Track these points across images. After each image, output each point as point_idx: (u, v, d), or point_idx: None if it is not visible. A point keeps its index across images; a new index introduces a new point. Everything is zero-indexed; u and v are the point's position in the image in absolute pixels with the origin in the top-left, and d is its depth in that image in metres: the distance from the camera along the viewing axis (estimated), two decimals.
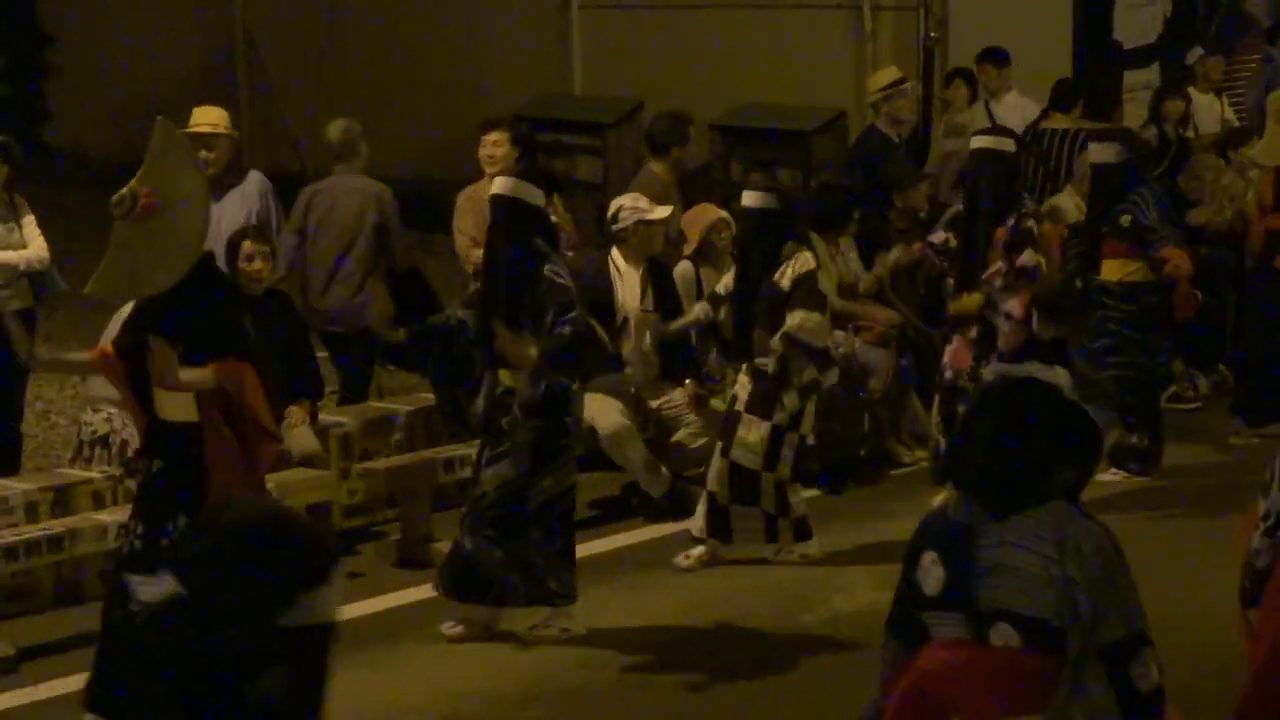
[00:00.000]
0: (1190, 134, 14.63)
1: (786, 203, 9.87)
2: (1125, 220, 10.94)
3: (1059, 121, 14.09)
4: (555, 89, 17.66)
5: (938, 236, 10.77)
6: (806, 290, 9.59)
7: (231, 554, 3.47)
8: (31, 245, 10.23)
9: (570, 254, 11.35)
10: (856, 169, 13.02)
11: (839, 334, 11.59)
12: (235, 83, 20.27)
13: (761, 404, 9.62)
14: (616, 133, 16.68)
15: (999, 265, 10.17)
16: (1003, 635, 4.65)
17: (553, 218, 10.69)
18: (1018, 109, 14.33)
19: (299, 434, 9.96)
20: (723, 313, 9.96)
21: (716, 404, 10.54)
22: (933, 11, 15.88)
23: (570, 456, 8.67)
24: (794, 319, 9.49)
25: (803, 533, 9.84)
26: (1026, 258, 10.17)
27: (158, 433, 7.43)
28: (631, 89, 16.75)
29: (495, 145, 11.29)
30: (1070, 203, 12.15)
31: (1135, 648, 4.67)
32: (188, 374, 7.17)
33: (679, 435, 10.68)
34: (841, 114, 15.68)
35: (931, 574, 4.74)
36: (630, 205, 10.59)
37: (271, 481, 9.48)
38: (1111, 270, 11.04)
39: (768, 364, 9.57)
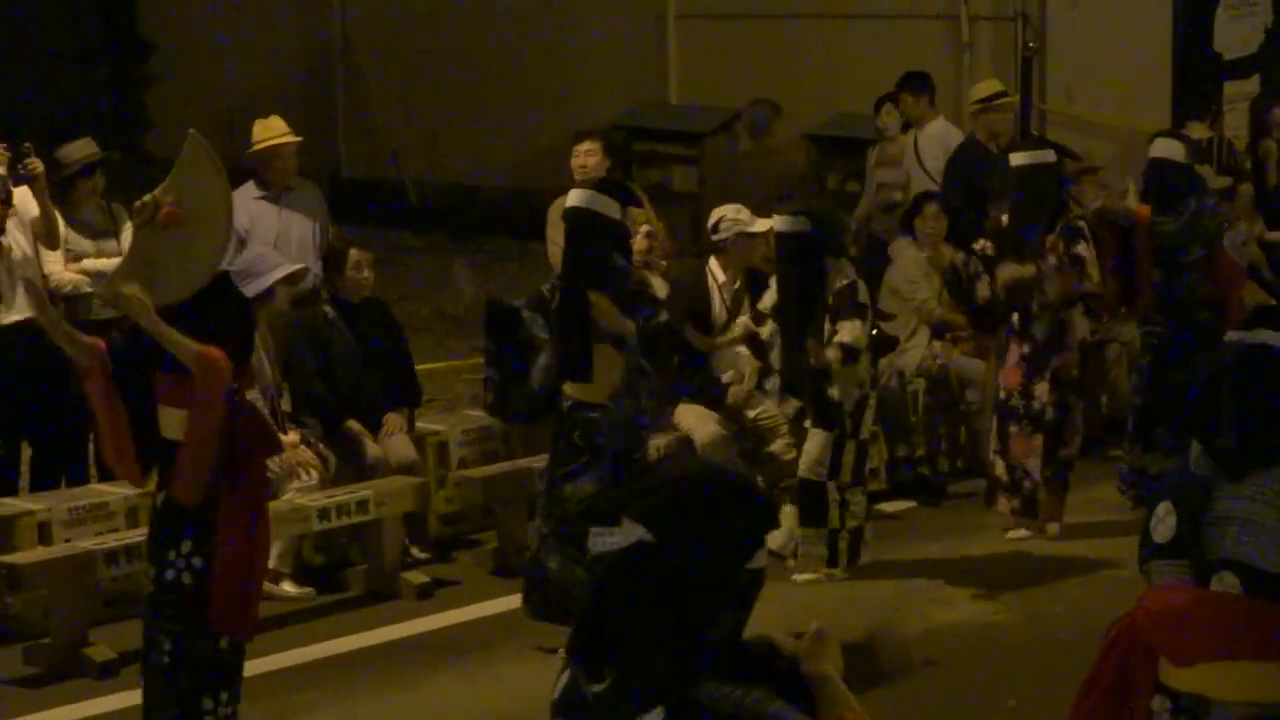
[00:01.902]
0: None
1: (820, 223, 9.67)
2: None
3: (1197, 131, 13.98)
4: (651, 98, 17.68)
5: (976, 245, 10.75)
6: (846, 301, 9.56)
7: (705, 503, 3.65)
8: None
9: (665, 263, 11.39)
10: (954, 180, 12.97)
11: (937, 344, 11.58)
12: (333, 92, 20.41)
13: (820, 414, 9.61)
14: (712, 142, 16.68)
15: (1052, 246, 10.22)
16: (1225, 583, 4.70)
17: (644, 228, 10.78)
18: (941, 138, 13.49)
19: (396, 442, 10.00)
20: (767, 332, 9.97)
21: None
22: (1031, 22, 15.81)
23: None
24: (844, 331, 9.47)
25: (854, 553, 9.74)
26: (1081, 249, 10.24)
27: (163, 460, 7.17)
28: (727, 98, 16.75)
29: (587, 155, 11.31)
30: None
31: None
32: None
33: (774, 446, 10.66)
34: None
35: (1164, 523, 4.80)
36: (731, 216, 10.58)
37: (369, 489, 9.55)
38: None
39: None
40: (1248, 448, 4.76)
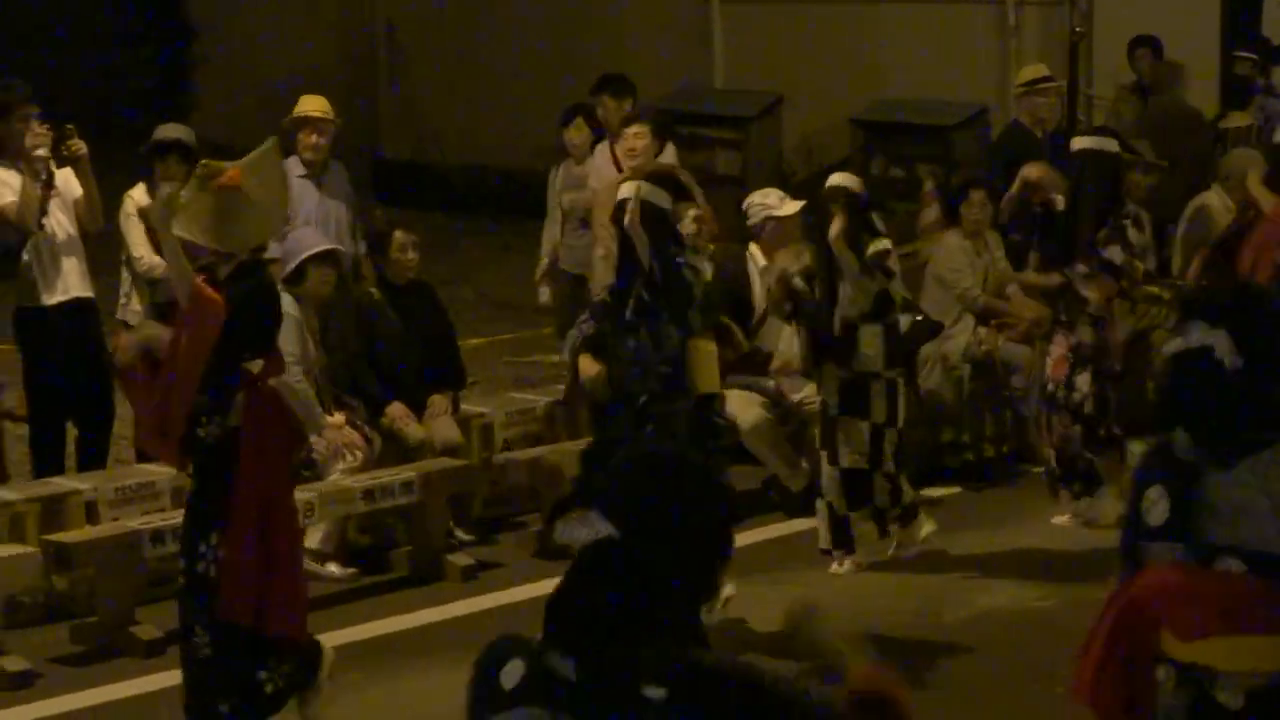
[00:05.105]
0: None
1: (864, 188, 9.69)
2: None
3: (1238, 119, 13.91)
4: (696, 82, 17.66)
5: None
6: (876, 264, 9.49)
7: (671, 501, 3.59)
8: None
9: (711, 247, 11.37)
10: (998, 164, 12.90)
11: (982, 331, 11.53)
12: (375, 74, 20.45)
13: (856, 404, 9.53)
14: (757, 126, 16.69)
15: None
16: (1228, 566, 4.80)
17: (692, 213, 10.79)
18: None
19: (441, 424, 10.01)
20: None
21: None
22: (1078, 5, 15.74)
23: (718, 448, 8.65)
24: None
25: (909, 516, 9.66)
26: (1113, 253, 10.13)
27: (191, 448, 7.38)
28: (772, 83, 16.74)
29: (636, 138, 11.30)
30: (1218, 202, 11.88)
31: None
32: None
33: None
34: (983, 109, 15.58)
35: (1158, 506, 4.86)
36: (759, 202, 10.58)
37: (413, 471, 9.56)
38: None
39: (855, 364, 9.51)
40: (1233, 439, 4.82)
